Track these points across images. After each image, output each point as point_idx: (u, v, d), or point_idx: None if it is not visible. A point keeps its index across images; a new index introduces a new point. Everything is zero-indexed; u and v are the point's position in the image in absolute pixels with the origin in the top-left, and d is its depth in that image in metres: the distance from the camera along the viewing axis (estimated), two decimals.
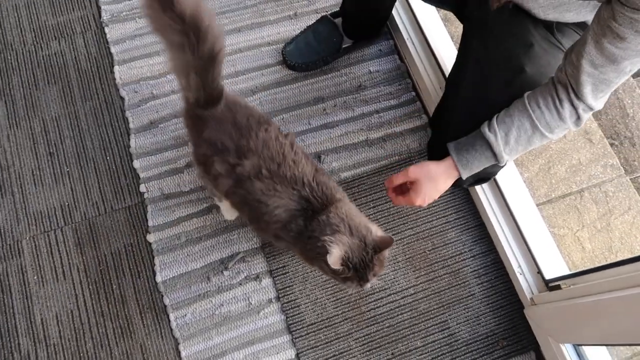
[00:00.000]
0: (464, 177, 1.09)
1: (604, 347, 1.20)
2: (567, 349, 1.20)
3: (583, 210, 1.51)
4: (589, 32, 0.87)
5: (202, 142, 1.04)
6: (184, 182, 1.42)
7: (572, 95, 0.93)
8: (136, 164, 1.43)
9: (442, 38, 1.51)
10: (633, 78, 1.81)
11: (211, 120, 1.02)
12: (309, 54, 1.51)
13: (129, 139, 1.46)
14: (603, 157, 1.58)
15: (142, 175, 1.42)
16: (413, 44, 1.53)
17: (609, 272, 1.04)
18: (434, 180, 1.08)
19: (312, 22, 1.53)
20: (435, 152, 1.23)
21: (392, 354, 1.29)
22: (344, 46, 1.51)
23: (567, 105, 0.95)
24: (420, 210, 1.42)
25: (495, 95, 1.08)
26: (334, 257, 0.88)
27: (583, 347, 1.19)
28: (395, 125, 1.50)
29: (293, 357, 1.28)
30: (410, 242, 1.39)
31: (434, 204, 1.42)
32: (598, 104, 0.94)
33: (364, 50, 1.58)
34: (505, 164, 1.11)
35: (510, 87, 1.07)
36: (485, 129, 1.05)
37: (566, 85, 0.94)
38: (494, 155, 1.05)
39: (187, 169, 1.43)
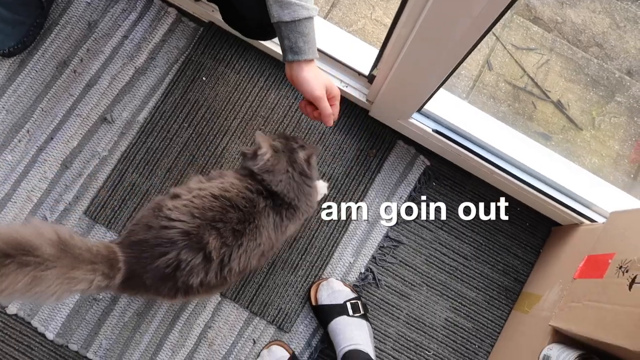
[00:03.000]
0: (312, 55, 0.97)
1: (444, 91, 1.24)
2: (417, 118, 1.24)
3: None
4: None
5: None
6: None
7: None
8: None
9: None
10: None
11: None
12: (15, 30, 1.27)
13: None
14: None
15: None
16: None
17: (394, 33, 1.03)
18: (314, 74, 0.98)
19: None
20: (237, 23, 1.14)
21: None
22: None
23: None
24: (232, 97, 1.33)
25: None
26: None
27: (427, 106, 1.22)
28: (150, 38, 1.35)
29: (219, 298, 1.25)
30: (243, 129, 1.32)
31: (237, 85, 1.34)
32: None
33: None
34: None
35: None
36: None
37: None
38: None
39: None
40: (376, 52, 1.31)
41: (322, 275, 1.27)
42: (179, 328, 1.23)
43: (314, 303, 1.23)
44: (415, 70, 1.02)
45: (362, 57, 1.30)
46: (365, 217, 1.31)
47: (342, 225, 1.30)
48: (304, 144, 1.03)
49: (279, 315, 1.25)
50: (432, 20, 0.82)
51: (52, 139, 1.29)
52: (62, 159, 1.28)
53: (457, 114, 1.25)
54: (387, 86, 1.14)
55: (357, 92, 1.31)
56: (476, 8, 0.75)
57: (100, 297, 1.23)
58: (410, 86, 1.08)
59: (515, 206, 1.33)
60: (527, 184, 1.24)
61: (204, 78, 1.34)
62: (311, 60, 0.97)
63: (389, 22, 1.48)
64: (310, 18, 0.94)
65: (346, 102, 1.35)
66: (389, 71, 1.09)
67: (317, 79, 0.97)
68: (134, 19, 1.35)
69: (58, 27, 1.34)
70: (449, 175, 1.34)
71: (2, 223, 1.25)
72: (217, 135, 1.32)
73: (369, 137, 1.34)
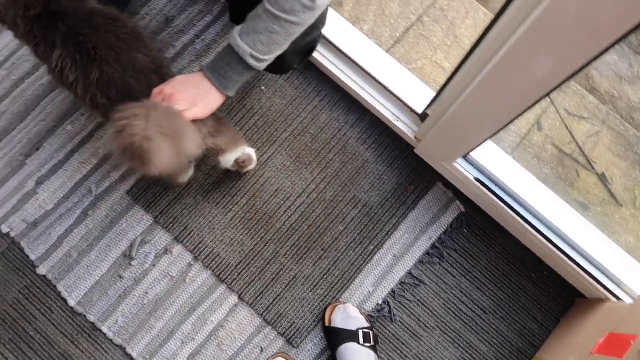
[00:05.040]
0: (215, 82, 0.97)
1: (491, 143, 1.27)
2: (462, 164, 1.26)
3: (429, 35, 1.53)
4: None
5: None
6: (43, 202, 1.30)
7: None
8: None
9: None
10: None
11: None
12: None
13: None
14: None
15: None
16: None
17: (455, 77, 1.07)
18: (184, 83, 0.97)
19: None
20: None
21: (322, 249, 1.31)
22: None
23: None
24: (286, 110, 1.38)
25: None
26: None
27: (472, 154, 1.25)
28: (221, 41, 1.42)
29: (236, 300, 1.28)
30: (290, 142, 1.37)
31: (293, 100, 1.39)
32: None
33: None
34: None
35: None
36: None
37: None
38: (229, 45, 0.94)
39: (40, 187, 1.31)
40: (431, 92, 1.35)
41: (340, 299, 1.29)
42: (193, 321, 1.26)
43: (327, 324, 1.24)
44: (469, 119, 1.04)
45: (417, 95, 1.33)
46: (391, 253, 1.32)
47: (368, 254, 1.31)
48: None
49: (290, 329, 1.27)
50: (495, 76, 0.85)
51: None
52: None
53: (500, 167, 1.27)
54: (438, 128, 1.17)
55: (406, 127, 1.34)
56: (540, 71, 0.77)
57: (126, 275, 1.27)
58: (461, 132, 1.11)
59: (542, 269, 1.32)
60: (559, 250, 1.23)
61: (263, 88, 1.39)
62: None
63: (448, 66, 1.51)
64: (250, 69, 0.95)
65: (393, 136, 1.38)
66: (443, 114, 1.12)
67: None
68: (208, 21, 1.43)
69: (137, 18, 1.42)
70: (482, 225, 1.35)
71: (47, 187, 1.31)
72: (266, 144, 1.36)
73: (409, 173, 1.37)
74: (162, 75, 1.00)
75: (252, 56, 0.93)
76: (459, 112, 1.04)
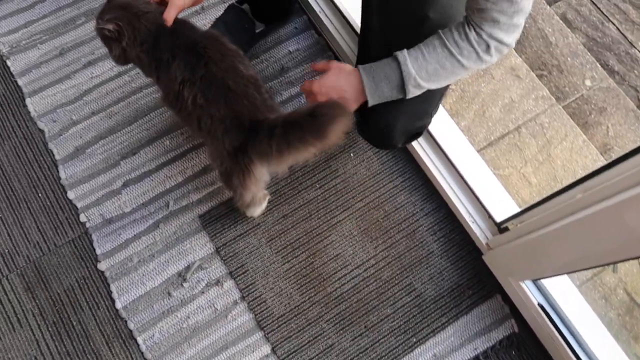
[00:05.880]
0: (366, 84, 1.04)
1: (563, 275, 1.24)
2: (528, 286, 1.23)
3: (523, 147, 1.54)
4: None
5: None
6: (124, 203, 1.38)
7: (474, 24, 0.93)
8: (71, 194, 1.38)
9: (353, 4, 1.49)
10: (549, 6, 1.83)
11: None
12: None
13: (57, 171, 1.40)
14: (533, 90, 1.60)
15: (79, 205, 1.37)
16: (326, 15, 1.50)
17: (548, 204, 1.06)
18: (341, 72, 1.07)
19: (220, 13, 1.48)
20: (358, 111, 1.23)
21: (365, 327, 1.30)
22: (257, 31, 1.47)
23: (472, 30, 0.94)
24: (367, 181, 1.42)
25: (404, 47, 1.06)
26: None
27: (543, 280, 1.22)
28: None
29: (269, 352, 1.28)
30: (362, 213, 1.39)
31: (377, 174, 1.42)
32: (505, 36, 0.92)
33: (279, 31, 1.54)
34: (434, 115, 1.10)
35: (418, 36, 1.05)
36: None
37: (469, 18, 0.94)
38: (397, 61, 1.00)
39: (125, 189, 1.39)
40: (513, 204, 1.34)
41: None
42: (222, 359, 1.27)
43: None
44: (553, 251, 1.03)
45: (499, 203, 1.33)
46: (432, 351, 1.29)
47: (409, 345, 1.29)
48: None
49: None
50: (597, 222, 0.84)
51: (204, 145, 1.43)
52: (205, 164, 1.42)
53: (565, 298, 1.22)
54: (515, 246, 1.16)
55: (480, 231, 1.33)
56: None
57: (174, 294, 1.31)
58: (539, 260, 1.09)
59: None
60: None
61: (351, 154, 1.44)
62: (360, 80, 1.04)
63: (535, 181, 1.50)
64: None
65: (464, 235, 1.38)
66: (525, 235, 1.11)
67: (336, 82, 1.06)
68: None
69: (257, 59, 1.52)
70: (532, 352, 1.29)
71: (131, 190, 1.39)
72: (339, 208, 1.39)
73: (471, 277, 1.35)
74: (258, 87, 1.08)
75: (414, 79, 0.99)
76: (545, 241, 1.02)
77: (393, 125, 1.11)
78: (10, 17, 1.56)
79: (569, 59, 1.74)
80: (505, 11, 0.88)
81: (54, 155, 1.41)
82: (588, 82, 1.71)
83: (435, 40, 0.98)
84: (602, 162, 1.54)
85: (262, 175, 1.09)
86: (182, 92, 1.05)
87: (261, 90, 1.07)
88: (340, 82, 1.06)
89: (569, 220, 0.91)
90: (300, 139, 0.94)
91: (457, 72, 0.99)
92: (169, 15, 1.08)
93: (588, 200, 0.85)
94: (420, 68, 0.98)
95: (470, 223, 1.34)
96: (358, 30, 1.45)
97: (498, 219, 1.30)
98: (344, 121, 0.91)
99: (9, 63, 1.49)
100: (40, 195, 1.38)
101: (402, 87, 1.01)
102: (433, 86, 1.02)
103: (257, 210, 1.31)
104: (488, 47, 0.94)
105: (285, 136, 0.96)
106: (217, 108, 1.03)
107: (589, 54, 1.76)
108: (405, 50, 1.00)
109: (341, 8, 1.48)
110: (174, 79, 1.06)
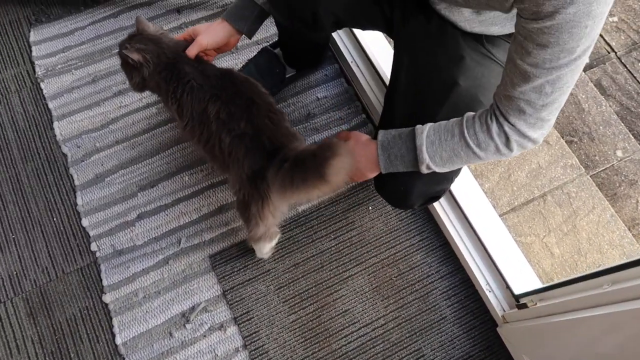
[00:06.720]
0: (381, 160, 1.03)
1: None
2: None
3: (548, 215, 1.49)
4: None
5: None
6: (136, 236, 1.37)
7: (498, 113, 0.90)
8: (85, 222, 1.38)
9: (386, 58, 1.49)
10: (584, 72, 1.80)
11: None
12: None
13: (75, 197, 1.40)
14: (562, 157, 1.56)
15: (92, 233, 1.37)
16: (358, 66, 1.51)
17: (572, 287, 1.01)
18: (358, 143, 1.08)
19: (253, 54, 1.49)
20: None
21: None
22: (287, 76, 1.48)
23: (495, 120, 0.90)
24: (383, 237, 1.38)
25: (430, 111, 1.04)
26: None
27: None
28: None
29: None
30: (376, 270, 1.35)
31: (394, 230, 1.39)
32: (528, 130, 0.88)
33: (309, 77, 1.55)
34: (450, 184, 1.08)
35: (446, 101, 1.03)
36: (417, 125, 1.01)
37: (495, 104, 0.91)
38: (414, 143, 0.98)
39: (139, 221, 1.38)
40: (534, 276, 1.29)
41: None
42: None
43: None
44: (575, 341, 0.97)
45: (518, 274, 1.28)
46: None
47: None
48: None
49: None
50: (627, 321, 0.79)
51: (224, 183, 1.42)
52: (222, 204, 1.41)
53: None
54: (534, 326, 1.10)
55: (496, 302, 1.28)
56: None
57: (176, 335, 1.28)
58: (559, 346, 1.03)
59: None
60: None
61: (370, 207, 1.41)
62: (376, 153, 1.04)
63: (557, 252, 1.45)
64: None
65: (479, 304, 1.32)
66: (546, 315, 1.05)
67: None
68: (344, 129, 1.49)
69: (284, 103, 1.52)
70: None
71: (145, 223, 1.38)
72: (352, 261, 1.35)
73: (483, 348, 1.29)
74: (281, 114, 1.10)
75: (427, 165, 0.97)
76: (565, 328, 0.97)
77: (410, 188, 1.08)
78: (50, 40, 1.60)
79: (601, 127, 1.70)
80: (534, 103, 0.83)
81: (73, 180, 1.42)
82: (619, 153, 1.66)
83: (455, 127, 0.95)
84: (629, 238, 1.48)
85: (280, 204, 1.08)
86: (207, 107, 1.06)
87: (284, 118, 1.09)
88: (356, 152, 1.05)
89: (594, 313, 0.86)
90: (302, 178, 0.93)
91: (472, 161, 0.97)
92: (191, 52, 1.11)
93: (617, 295, 0.81)
94: (434, 153, 0.96)
95: (487, 292, 1.29)
96: (387, 82, 1.45)
97: (516, 291, 1.25)
98: (342, 162, 0.88)
99: (42, 85, 1.52)
100: (55, 219, 1.38)
101: (417, 167, 1.00)
102: (446, 170, 1.00)
103: (266, 247, 1.27)
104: (508, 140, 0.89)
105: (290, 173, 0.95)
106: (238, 123, 1.03)
107: (622, 124, 1.71)
108: (425, 130, 0.97)
109: (373, 60, 1.48)
110: (200, 98, 1.07)
